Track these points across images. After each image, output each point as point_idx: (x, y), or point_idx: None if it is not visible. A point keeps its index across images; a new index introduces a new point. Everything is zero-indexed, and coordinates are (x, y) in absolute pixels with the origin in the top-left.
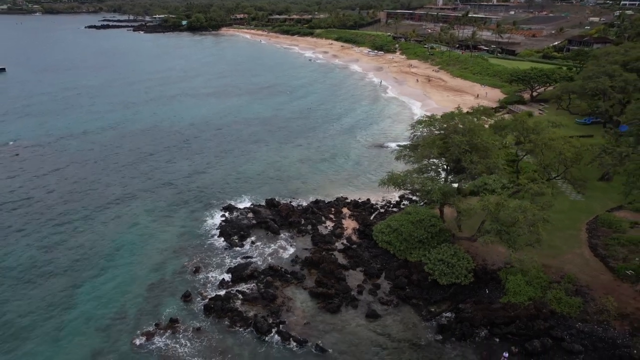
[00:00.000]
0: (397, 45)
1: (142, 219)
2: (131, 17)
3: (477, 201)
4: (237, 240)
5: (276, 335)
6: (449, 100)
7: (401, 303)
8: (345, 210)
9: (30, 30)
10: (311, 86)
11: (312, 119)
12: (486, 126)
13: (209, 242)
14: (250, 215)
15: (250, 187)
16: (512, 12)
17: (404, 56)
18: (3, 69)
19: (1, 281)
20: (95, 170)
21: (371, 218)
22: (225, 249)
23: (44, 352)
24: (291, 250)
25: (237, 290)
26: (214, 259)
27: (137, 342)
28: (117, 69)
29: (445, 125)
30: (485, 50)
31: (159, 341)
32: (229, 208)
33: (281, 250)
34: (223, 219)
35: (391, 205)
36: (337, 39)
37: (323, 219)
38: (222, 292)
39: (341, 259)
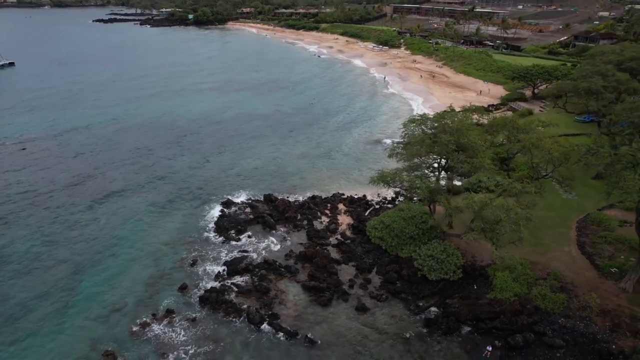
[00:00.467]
0: (402, 40)
1: (143, 212)
2: (138, 11)
3: (461, 199)
4: (234, 235)
5: (267, 326)
6: (451, 96)
7: (391, 297)
8: (341, 206)
9: (39, 23)
10: (313, 81)
11: (313, 114)
12: (481, 123)
13: (206, 235)
14: (247, 210)
15: (249, 182)
16: (521, 7)
17: (408, 51)
18: (12, 63)
19: (6, 271)
20: (98, 164)
21: (366, 214)
22: (222, 242)
23: (46, 339)
24: (286, 244)
25: (232, 283)
26: (210, 253)
27: (135, 330)
28: (122, 63)
29: (436, 124)
30: (490, 45)
31: (155, 330)
32: (228, 203)
33: (276, 245)
34: (221, 213)
35: (386, 202)
36: (342, 34)
37: (319, 214)
38: (218, 285)
39: (334, 254)
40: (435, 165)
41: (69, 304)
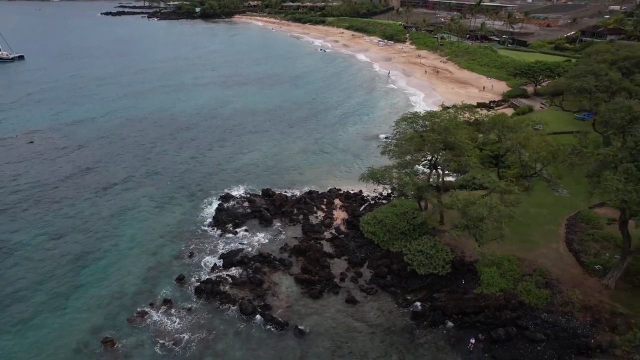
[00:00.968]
0: (407, 35)
1: (144, 205)
2: (146, 4)
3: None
4: (231, 228)
5: (259, 317)
6: (453, 92)
7: (380, 291)
8: (337, 201)
9: (49, 16)
10: (316, 76)
11: (315, 109)
12: (473, 121)
13: (205, 228)
14: (245, 204)
15: (248, 177)
16: (530, 0)
17: (413, 46)
18: (22, 57)
19: (12, 259)
20: (102, 157)
21: (361, 209)
22: (220, 235)
23: (49, 325)
24: (281, 238)
25: (227, 275)
26: (208, 245)
27: (133, 318)
28: (129, 56)
29: (427, 123)
30: (496, 41)
31: (152, 318)
32: (227, 197)
33: (272, 238)
34: (220, 207)
35: (381, 198)
36: (348, 28)
37: (315, 209)
38: (213, 276)
39: (328, 248)
40: (426, 163)
41: (71, 292)
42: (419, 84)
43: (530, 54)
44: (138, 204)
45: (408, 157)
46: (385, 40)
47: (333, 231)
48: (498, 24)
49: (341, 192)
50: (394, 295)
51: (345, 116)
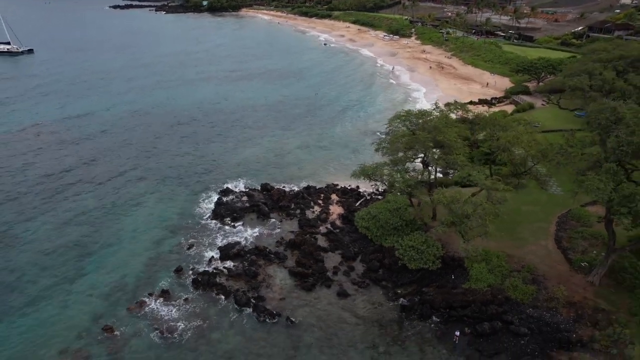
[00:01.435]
0: (413, 29)
1: (146, 198)
2: None
3: (435, 193)
4: (229, 222)
5: (252, 308)
6: (456, 89)
7: (372, 284)
8: (333, 197)
9: (58, 10)
10: (320, 71)
11: (316, 105)
12: (465, 119)
13: (204, 222)
14: (244, 198)
15: (248, 172)
16: None
17: (418, 41)
18: (31, 50)
19: (20, 249)
20: (107, 151)
21: (356, 204)
22: (218, 229)
23: (53, 312)
24: (278, 232)
25: (223, 267)
26: (206, 238)
27: (133, 307)
28: (136, 50)
29: (420, 121)
30: (502, 36)
31: (151, 308)
32: (226, 191)
33: (268, 232)
34: (219, 201)
35: (377, 193)
36: (354, 22)
37: (312, 204)
38: (210, 268)
39: (322, 242)
40: (418, 160)
41: (75, 281)
42: (422, 80)
43: (535, 50)
44: (140, 197)
45: (400, 154)
46: (391, 35)
47: (328, 226)
48: (505, 19)
49: (338, 187)
50: (384, 289)
51: (346, 112)
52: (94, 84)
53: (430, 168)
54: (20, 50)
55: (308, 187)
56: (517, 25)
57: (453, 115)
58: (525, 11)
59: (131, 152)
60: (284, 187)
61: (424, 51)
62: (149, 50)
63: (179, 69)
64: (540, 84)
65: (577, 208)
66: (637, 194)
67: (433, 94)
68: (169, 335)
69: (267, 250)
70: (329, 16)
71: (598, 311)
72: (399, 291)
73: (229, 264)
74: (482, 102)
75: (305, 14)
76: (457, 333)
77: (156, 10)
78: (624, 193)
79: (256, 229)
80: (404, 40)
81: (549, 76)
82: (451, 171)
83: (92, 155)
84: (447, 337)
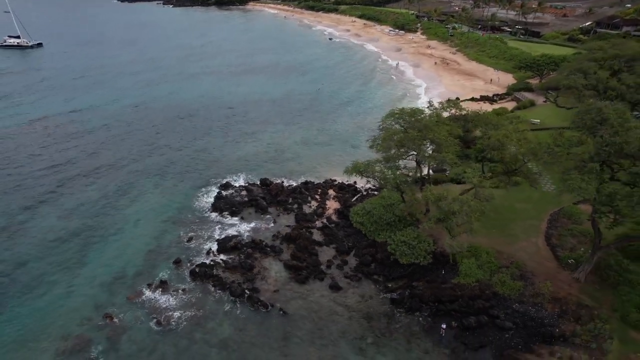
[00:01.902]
0: (419, 24)
1: (149, 191)
2: None
3: (425, 191)
4: (228, 215)
5: (247, 299)
6: (459, 85)
7: (363, 278)
8: (330, 192)
9: (66, 3)
10: (324, 66)
11: (319, 100)
12: (458, 117)
13: (204, 215)
14: (243, 193)
15: (249, 166)
16: None
17: (424, 36)
18: (40, 44)
19: (27, 240)
20: (111, 145)
21: (353, 200)
22: (217, 222)
23: (56, 299)
24: (275, 226)
25: (220, 259)
26: (205, 231)
27: (132, 297)
28: (143, 44)
29: (413, 119)
30: (508, 31)
31: (149, 297)
32: (226, 185)
33: (266, 226)
34: (219, 195)
35: (374, 189)
36: (360, 17)
37: (309, 199)
38: (208, 260)
39: (318, 236)
40: (411, 158)
41: (79, 272)
42: (425, 76)
43: (541, 46)
44: (142, 190)
45: (393, 152)
46: (397, 30)
47: (324, 220)
48: (512, 14)
49: (336, 182)
50: (376, 282)
51: (348, 107)
52: (100, 78)
53: (422, 165)
54: (30, 44)
55: (306, 182)
56: (525, 20)
57: (446, 113)
58: (532, 6)
59: (134, 146)
60: (282, 182)
61: (429, 46)
62: (156, 44)
63: (184, 62)
64: (542, 81)
65: (569, 206)
66: (618, 193)
67: (435, 90)
68: (166, 323)
69: (264, 243)
70: (335, 10)
71: (581, 307)
72: (390, 285)
73: (226, 256)
74: (483, 98)
75: (311, 8)
76: (444, 326)
77: (164, 4)
78: (604, 192)
79: (254, 223)
80: (410, 35)
81: (551, 73)
82: (448, 168)
83: (96, 148)
84: (434, 330)
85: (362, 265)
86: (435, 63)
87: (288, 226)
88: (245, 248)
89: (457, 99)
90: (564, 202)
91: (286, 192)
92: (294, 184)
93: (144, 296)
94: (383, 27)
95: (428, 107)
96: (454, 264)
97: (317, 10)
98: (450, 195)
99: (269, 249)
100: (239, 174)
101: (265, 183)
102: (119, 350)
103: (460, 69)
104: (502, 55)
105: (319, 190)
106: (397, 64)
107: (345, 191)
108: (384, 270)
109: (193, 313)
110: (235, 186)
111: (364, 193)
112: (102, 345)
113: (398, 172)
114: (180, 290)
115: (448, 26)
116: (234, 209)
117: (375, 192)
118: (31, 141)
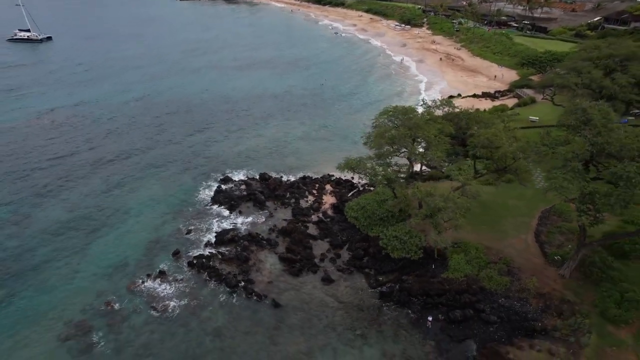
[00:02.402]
0: (425, 19)
1: (151, 185)
2: None
3: (413, 187)
4: (226, 209)
5: (242, 289)
6: (462, 81)
7: (355, 271)
8: (328, 187)
9: None
10: (329, 61)
11: (322, 95)
12: (452, 115)
13: (203, 209)
14: (242, 187)
15: (249, 161)
16: None
17: (430, 31)
18: (50, 38)
19: (31, 230)
20: (115, 138)
21: (349, 195)
22: (216, 215)
23: (60, 288)
24: (271, 220)
25: (218, 251)
26: (204, 224)
27: (132, 286)
28: (149, 38)
29: (405, 117)
30: (515, 27)
31: (148, 286)
32: (226, 179)
33: (263, 220)
34: (219, 189)
35: (370, 185)
36: (367, 11)
37: (306, 193)
38: (206, 252)
39: (313, 230)
40: (403, 155)
41: (82, 261)
42: (429, 71)
43: (547, 42)
44: (145, 182)
45: (385, 149)
46: (402, 25)
47: (320, 215)
48: (519, 9)
49: (333, 178)
50: (367, 276)
51: (349, 102)
52: (107, 72)
53: (413, 163)
54: (40, 37)
55: (304, 177)
56: (532, 15)
57: (439, 112)
58: (540, 0)
59: (138, 139)
60: (281, 176)
61: (434, 42)
62: (162, 38)
63: (189, 57)
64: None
65: (560, 203)
66: (597, 192)
67: (438, 86)
68: (164, 311)
69: (260, 236)
70: (342, 4)
71: (564, 302)
72: (381, 278)
73: (223, 248)
74: (485, 95)
75: (318, 2)
76: (430, 319)
77: None
78: (584, 192)
79: (251, 217)
80: (416, 30)
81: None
82: (446, 165)
83: (101, 141)
84: (421, 323)
85: (355, 259)
86: (441, 59)
87: (284, 220)
88: (241, 241)
89: (459, 95)
90: (555, 199)
91: (284, 186)
92: (293, 178)
93: (143, 285)
94: (389, 21)
95: (421, 105)
96: (440, 258)
97: (324, 4)
98: (438, 192)
99: (264, 242)
100: (240, 168)
101: (264, 177)
102: (119, 335)
103: (464, 65)
104: (506, 52)
105: (317, 185)
106: (402, 60)
107: (342, 186)
108: (376, 264)
109: (189, 302)
110: (235, 180)
111: (360, 188)
112: (103, 331)
113: (389, 169)
114: (178, 280)
115: (454, 21)
116: (232, 202)
117: (371, 188)
118: (39, 133)
